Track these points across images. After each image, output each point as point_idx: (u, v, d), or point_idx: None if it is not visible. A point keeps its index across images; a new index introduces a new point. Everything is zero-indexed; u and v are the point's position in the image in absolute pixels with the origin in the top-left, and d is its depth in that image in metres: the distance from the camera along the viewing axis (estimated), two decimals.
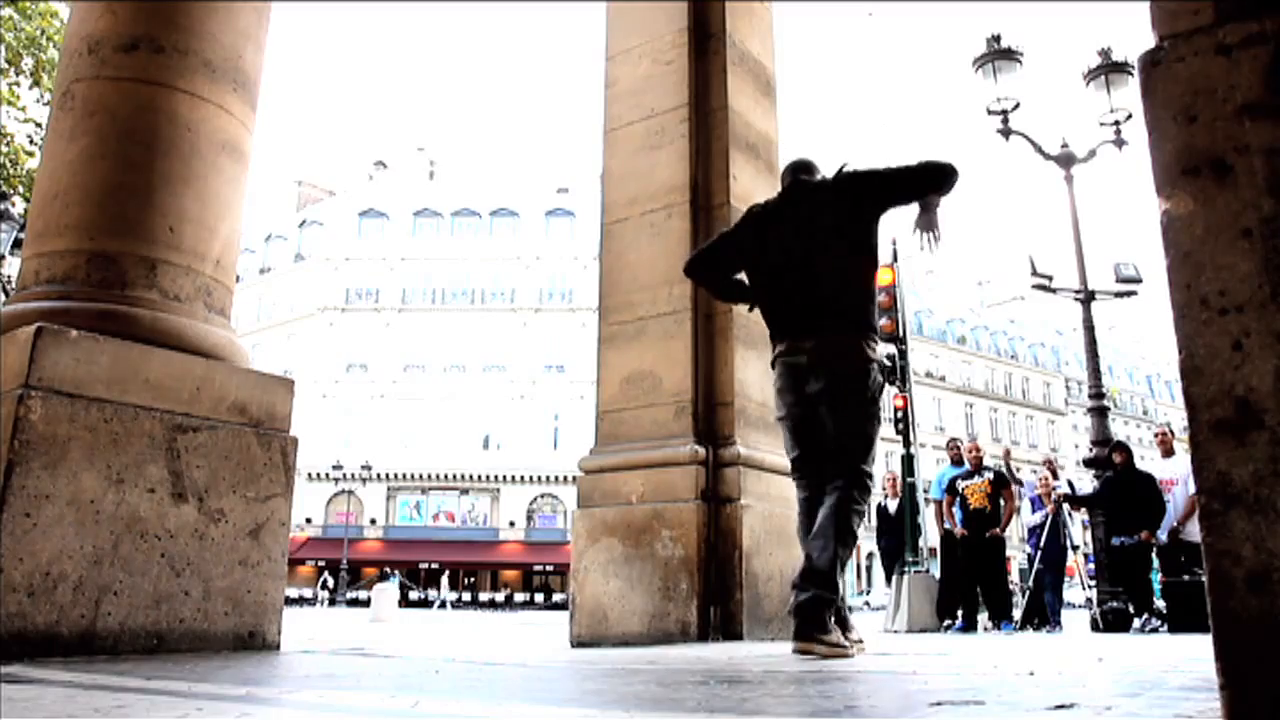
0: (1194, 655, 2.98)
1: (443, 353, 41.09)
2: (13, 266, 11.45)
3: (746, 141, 4.91)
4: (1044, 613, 8.81)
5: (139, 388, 2.77)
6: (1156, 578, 8.35)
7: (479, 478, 40.38)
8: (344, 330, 41.74)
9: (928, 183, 3.17)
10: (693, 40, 4.93)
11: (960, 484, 8.80)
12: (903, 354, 11.48)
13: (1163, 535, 7.92)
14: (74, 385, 2.62)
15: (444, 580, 36.64)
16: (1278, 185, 1.03)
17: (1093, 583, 9.02)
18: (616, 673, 2.38)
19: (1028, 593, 9.37)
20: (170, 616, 2.72)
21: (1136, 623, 7.70)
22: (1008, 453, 10.20)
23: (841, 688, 1.99)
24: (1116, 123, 9.39)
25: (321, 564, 37.99)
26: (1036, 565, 8.94)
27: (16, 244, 11.11)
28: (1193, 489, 1.08)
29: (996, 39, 9.52)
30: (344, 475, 38.49)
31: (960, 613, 8.70)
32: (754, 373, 4.55)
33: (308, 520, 39.03)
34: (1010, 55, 9.48)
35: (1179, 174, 1.10)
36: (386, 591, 15.43)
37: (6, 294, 11.32)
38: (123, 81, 3.10)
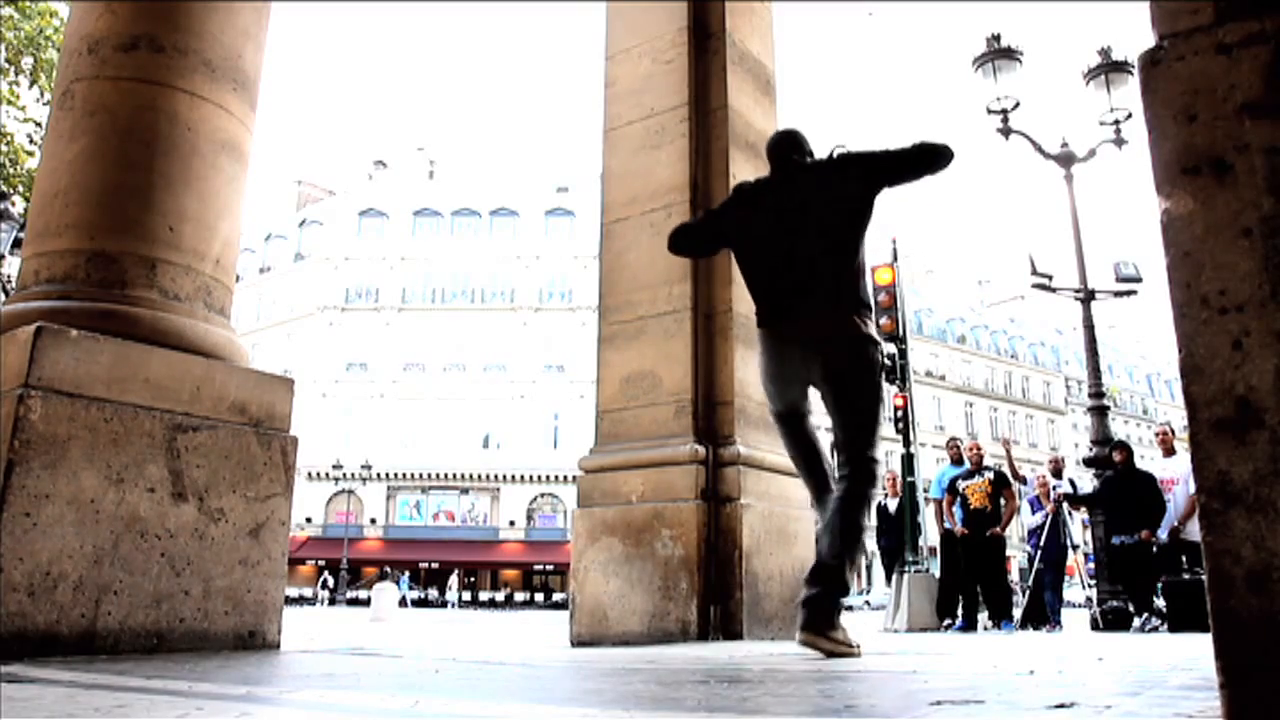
0: (1194, 654, 2.97)
1: (442, 352, 41.10)
2: (13, 266, 11.45)
3: (746, 141, 4.90)
4: (1044, 612, 8.80)
5: (139, 387, 2.77)
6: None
7: (479, 477, 40.40)
8: (344, 330, 41.75)
9: (923, 164, 3.15)
10: (692, 39, 4.93)
11: (961, 484, 8.80)
12: (902, 353, 11.48)
13: (1163, 534, 7.92)
14: (74, 385, 2.62)
15: (454, 580, 36.71)
16: (1278, 184, 1.03)
17: (1093, 582, 9.02)
18: (616, 672, 2.38)
19: (1028, 592, 9.37)
20: (170, 616, 2.72)
21: (1136, 622, 7.70)
22: (1007, 442, 10.17)
23: (841, 687, 1.99)
24: (1116, 122, 9.39)
25: (321, 563, 38.02)
26: (1037, 564, 8.94)
27: (16, 244, 11.10)
28: (1193, 488, 1.08)
29: (996, 38, 9.53)
30: (344, 475, 38.51)
31: (960, 612, 8.70)
32: (754, 372, 4.53)
33: (308, 520, 39.06)
34: (1010, 54, 9.49)
35: (1179, 173, 1.10)
36: (386, 591, 15.44)
37: (6, 294, 11.31)
38: (123, 81, 3.10)
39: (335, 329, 41.79)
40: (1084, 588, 10.18)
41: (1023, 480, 9.52)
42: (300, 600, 33.34)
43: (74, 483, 2.55)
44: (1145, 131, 1.14)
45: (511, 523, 40.50)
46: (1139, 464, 8.82)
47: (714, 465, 4.33)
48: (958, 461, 9.35)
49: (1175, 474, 8.08)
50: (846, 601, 3.08)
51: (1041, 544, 8.84)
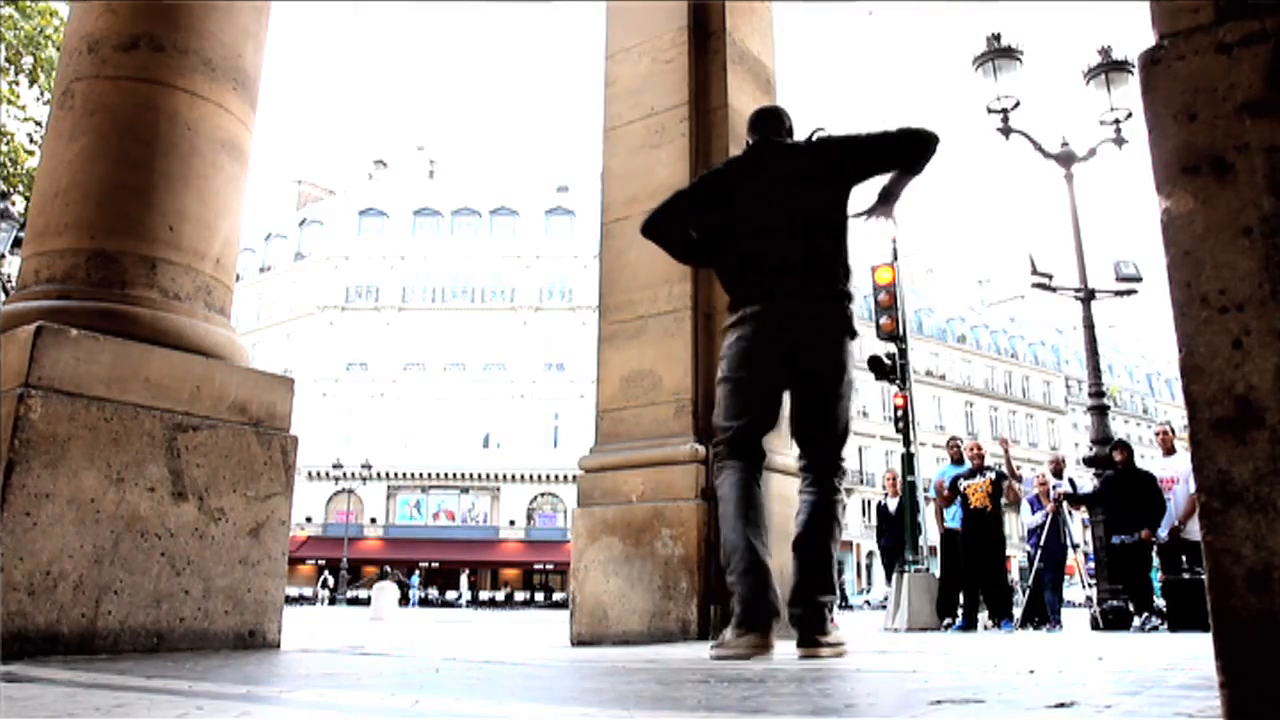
0: (1194, 654, 2.98)
1: (442, 351, 41.11)
2: (13, 266, 11.46)
3: (746, 140, 4.90)
4: (1044, 611, 8.81)
5: (139, 387, 2.77)
6: (1156, 576, 8.36)
7: (479, 476, 40.41)
8: (344, 329, 41.75)
9: (909, 150, 3.01)
10: (693, 39, 4.93)
11: (962, 483, 8.81)
12: (902, 352, 11.47)
13: (1163, 534, 7.92)
14: (74, 384, 2.62)
15: (463, 579, 36.77)
16: (1278, 184, 1.03)
17: (1093, 581, 9.02)
18: (616, 671, 2.38)
19: (1028, 591, 9.38)
20: (170, 615, 2.72)
21: (1136, 621, 7.71)
22: (1005, 442, 10.17)
23: (841, 686, 1.99)
24: (1116, 121, 9.39)
25: (321, 563, 38.03)
26: (1037, 564, 8.94)
27: (16, 243, 11.11)
28: (1193, 487, 1.08)
29: (996, 38, 9.53)
30: (344, 474, 38.51)
31: (960, 611, 8.71)
32: None
33: (308, 519, 39.07)
34: (1010, 54, 9.49)
35: (1179, 172, 1.10)
36: (386, 590, 15.45)
37: (6, 293, 11.32)
38: (123, 80, 3.10)
39: (335, 328, 41.80)
40: (1084, 587, 10.19)
41: (1019, 479, 9.53)
42: (300, 599, 33.35)
43: (74, 482, 2.55)
44: (1145, 131, 1.14)
45: (512, 522, 40.51)
46: (1139, 463, 8.82)
47: (714, 465, 4.32)
48: (958, 461, 9.37)
49: (1175, 473, 8.08)
50: (845, 603, 3.06)
51: (1041, 543, 8.84)
